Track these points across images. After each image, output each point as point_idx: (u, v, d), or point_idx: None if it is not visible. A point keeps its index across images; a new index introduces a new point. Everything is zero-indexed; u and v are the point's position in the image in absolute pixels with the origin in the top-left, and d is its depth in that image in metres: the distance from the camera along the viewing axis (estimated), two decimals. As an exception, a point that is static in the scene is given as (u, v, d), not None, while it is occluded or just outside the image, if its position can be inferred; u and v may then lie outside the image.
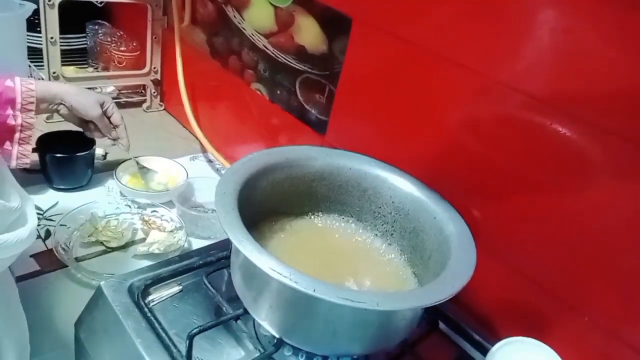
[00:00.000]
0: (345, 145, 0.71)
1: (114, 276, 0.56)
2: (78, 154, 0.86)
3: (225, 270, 0.61)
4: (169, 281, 0.59)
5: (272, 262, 0.41)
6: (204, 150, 1.11)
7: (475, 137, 0.59)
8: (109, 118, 0.84)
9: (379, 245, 0.61)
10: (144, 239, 0.80)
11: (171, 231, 0.82)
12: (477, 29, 0.57)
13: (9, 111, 0.69)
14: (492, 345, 0.50)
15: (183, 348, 0.49)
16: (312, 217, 0.62)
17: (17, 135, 0.71)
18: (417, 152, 0.67)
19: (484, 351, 0.57)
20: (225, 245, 0.63)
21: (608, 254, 0.51)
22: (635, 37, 0.45)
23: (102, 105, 0.81)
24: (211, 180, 0.95)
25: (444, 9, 0.60)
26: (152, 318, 0.53)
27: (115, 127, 0.85)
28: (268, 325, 0.47)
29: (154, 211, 0.85)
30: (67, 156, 0.85)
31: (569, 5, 0.48)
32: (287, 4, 0.82)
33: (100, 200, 0.84)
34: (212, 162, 1.09)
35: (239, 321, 0.52)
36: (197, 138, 1.08)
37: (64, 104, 0.77)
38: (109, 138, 0.86)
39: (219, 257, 0.62)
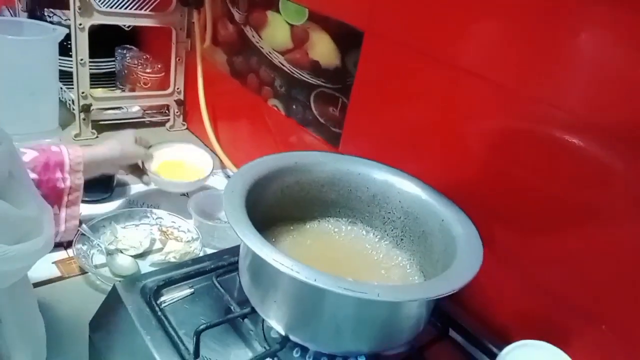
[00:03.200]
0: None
1: (128, 277, 0.58)
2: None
3: (237, 276, 0.62)
4: (180, 284, 0.60)
5: (276, 255, 0.41)
6: (223, 166, 1.14)
7: (494, 151, 0.59)
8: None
9: (388, 249, 0.61)
10: (161, 249, 0.82)
11: (188, 241, 0.83)
12: (497, 41, 0.57)
13: (58, 174, 0.70)
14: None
15: (191, 346, 0.50)
16: (322, 221, 0.63)
17: (65, 198, 0.72)
18: (431, 163, 0.67)
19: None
20: (237, 251, 0.64)
21: (628, 265, 0.50)
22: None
23: (137, 140, 0.86)
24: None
25: (462, 19, 0.61)
26: (162, 318, 0.54)
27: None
28: (274, 322, 0.48)
29: (172, 222, 0.87)
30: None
31: (603, 25, 0.49)
32: (303, 22, 0.85)
33: (121, 211, 0.87)
34: (230, 177, 1.12)
35: (246, 320, 0.52)
36: (216, 154, 1.11)
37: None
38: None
39: (230, 261, 0.63)
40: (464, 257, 0.47)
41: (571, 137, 0.51)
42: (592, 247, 0.52)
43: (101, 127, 1.17)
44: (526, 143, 0.56)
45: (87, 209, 0.89)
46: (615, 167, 0.49)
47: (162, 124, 1.29)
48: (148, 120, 1.27)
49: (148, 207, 0.90)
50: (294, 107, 0.92)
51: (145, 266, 0.78)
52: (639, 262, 0.49)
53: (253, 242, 0.42)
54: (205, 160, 0.98)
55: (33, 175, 0.66)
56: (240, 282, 0.54)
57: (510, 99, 0.56)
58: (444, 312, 0.60)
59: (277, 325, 0.48)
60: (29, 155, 0.68)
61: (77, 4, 0.99)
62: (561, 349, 0.47)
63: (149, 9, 1.11)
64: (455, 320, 0.60)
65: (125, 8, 1.08)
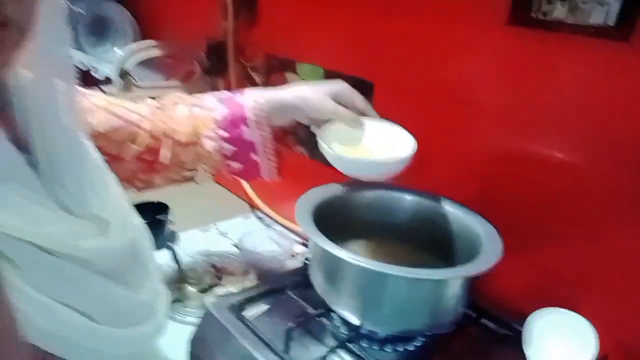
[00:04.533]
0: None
1: (218, 299, 0.71)
2: (158, 217, 1.03)
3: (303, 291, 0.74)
4: (258, 301, 0.73)
5: (345, 252, 0.55)
6: (253, 210, 1.28)
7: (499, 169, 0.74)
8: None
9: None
10: (218, 284, 0.94)
11: (242, 274, 0.96)
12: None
13: (244, 128, 0.66)
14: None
15: (281, 345, 0.62)
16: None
17: (260, 148, 0.68)
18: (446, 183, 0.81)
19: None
20: (297, 271, 0.78)
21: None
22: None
23: (335, 98, 0.68)
24: (264, 231, 1.11)
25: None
26: (251, 325, 0.66)
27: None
28: (347, 313, 0.61)
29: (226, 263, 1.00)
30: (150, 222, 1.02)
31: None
32: (319, 79, 1.01)
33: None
34: (261, 218, 1.25)
35: (322, 319, 0.65)
36: (246, 200, 1.25)
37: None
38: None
39: (295, 281, 0.76)
40: (489, 248, 0.61)
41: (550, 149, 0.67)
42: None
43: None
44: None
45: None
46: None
47: (190, 178, 1.43)
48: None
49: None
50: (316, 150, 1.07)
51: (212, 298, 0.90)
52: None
53: (328, 245, 0.57)
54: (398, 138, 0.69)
55: (222, 133, 0.66)
56: (312, 287, 0.66)
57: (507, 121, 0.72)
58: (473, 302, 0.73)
59: (350, 316, 0.61)
60: (219, 112, 0.66)
61: (121, 82, 1.15)
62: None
63: (177, 79, 1.28)
64: (482, 307, 0.73)
65: (157, 80, 1.25)
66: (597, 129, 0.62)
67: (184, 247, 1.07)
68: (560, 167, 0.67)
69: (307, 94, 0.67)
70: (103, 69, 1.25)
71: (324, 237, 0.59)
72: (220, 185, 1.43)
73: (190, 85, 1.30)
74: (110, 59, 1.31)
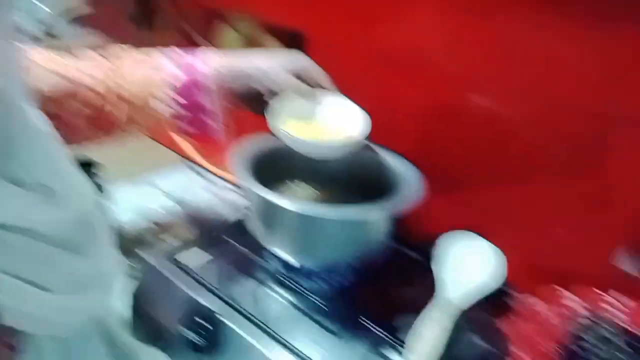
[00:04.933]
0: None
1: (143, 247, 0.73)
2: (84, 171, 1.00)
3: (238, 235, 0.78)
4: (194, 247, 0.77)
5: (279, 197, 0.60)
6: (187, 161, 1.27)
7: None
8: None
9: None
10: (156, 236, 0.95)
11: (178, 225, 0.98)
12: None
13: (201, 96, 0.65)
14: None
15: (224, 289, 0.66)
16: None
17: (214, 116, 0.67)
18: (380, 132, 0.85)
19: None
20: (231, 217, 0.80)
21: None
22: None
23: (293, 71, 0.67)
24: (198, 180, 1.12)
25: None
26: (193, 274, 0.70)
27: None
28: (283, 253, 0.65)
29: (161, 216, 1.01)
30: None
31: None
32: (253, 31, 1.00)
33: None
34: (196, 170, 1.25)
35: (257, 258, 0.70)
36: (178, 152, 1.24)
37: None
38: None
39: (229, 226, 0.80)
40: (410, 188, 0.67)
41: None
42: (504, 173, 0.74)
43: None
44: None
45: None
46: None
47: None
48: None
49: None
50: (258, 106, 1.07)
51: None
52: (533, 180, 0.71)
53: (263, 192, 0.60)
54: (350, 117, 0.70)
55: (179, 98, 0.64)
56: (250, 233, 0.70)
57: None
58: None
59: (286, 256, 0.66)
60: (175, 76, 0.65)
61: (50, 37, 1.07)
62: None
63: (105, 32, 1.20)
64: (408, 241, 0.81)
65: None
66: (521, 83, 0.68)
67: (118, 204, 1.06)
68: (488, 117, 0.73)
69: (266, 65, 0.67)
70: (27, 25, 1.15)
71: (259, 185, 0.62)
72: (154, 139, 1.40)
73: (120, 38, 1.23)
74: (34, 14, 1.20)
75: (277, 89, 0.68)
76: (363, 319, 0.63)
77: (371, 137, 0.70)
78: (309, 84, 0.69)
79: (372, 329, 0.62)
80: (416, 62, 0.78)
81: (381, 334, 0.61)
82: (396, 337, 0.61)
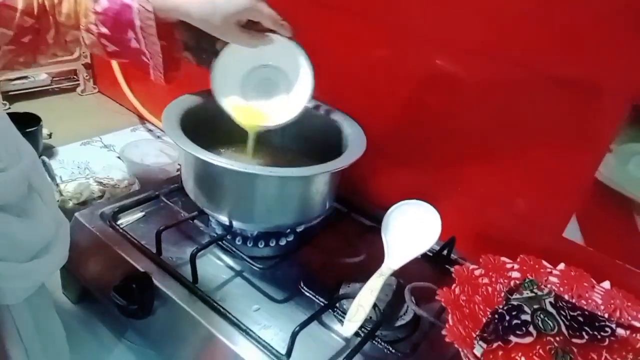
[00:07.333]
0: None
1: (85, 207, 0.68)
2: (27, 131, 0.95)
3: (179, 198, 0.74)
4: (133, 209, 0.72)
5: (210, 155, 0.55)
6: (142, 122, 1.22)
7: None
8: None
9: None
10: (101, 197, 0.91)
11: (126, 186, 0.93)
12: None
13: (130, 34, 0.58)
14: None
15: (153, 248, 0.63)
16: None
17: (144, 59, 0.61)
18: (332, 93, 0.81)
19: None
20: (176, 179, 0.76)
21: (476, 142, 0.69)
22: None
23: (239, 21, 0.59)
24: (152, 142, 1.07)
25: None
26: (124, 232, 0.65)
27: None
28: (219, 215, 0.62)
29: (108, 177, 0.96)
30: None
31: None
32: None
33: (56, 171, 0.94)
34: (152, 130, 1.20)
35: (196, 221, 0.66)
36: (134, 112, 1.18)
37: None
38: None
39: (171, 188, 0.75)
40: (353, 148, 0.64)
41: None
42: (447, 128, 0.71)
43: (12, 98, 1.18)
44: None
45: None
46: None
47: (72, 89, 1.32)
48: (57, 88, 1.29)
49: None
50: (204, 57, 1.02)
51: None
52: (480, 143, 0.68)
53: (196, 150, 0.56)
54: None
55: (103, 30, 0.58)
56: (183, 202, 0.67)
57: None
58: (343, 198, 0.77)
59: (222, 217, 0.62)
60: (101, 4, 0.58)
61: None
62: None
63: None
64: (353, 204, 0.78)
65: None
66: (473, 43, 0.64)
67: (63, 162, 1.01)
68: (442, 81, 0.69)
69: (207, 15, 0.58)
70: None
71: (189, 141, 0.57)
72: (107, 96, 1.34)
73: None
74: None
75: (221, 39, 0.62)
76: (303, 286, 0.59)
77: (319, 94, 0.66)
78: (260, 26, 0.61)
79: (311, 296, 0.59)
80: (367, 17, 0.73)
81: (320, 302, 0.58)
82: (337, 304, 0.58)
